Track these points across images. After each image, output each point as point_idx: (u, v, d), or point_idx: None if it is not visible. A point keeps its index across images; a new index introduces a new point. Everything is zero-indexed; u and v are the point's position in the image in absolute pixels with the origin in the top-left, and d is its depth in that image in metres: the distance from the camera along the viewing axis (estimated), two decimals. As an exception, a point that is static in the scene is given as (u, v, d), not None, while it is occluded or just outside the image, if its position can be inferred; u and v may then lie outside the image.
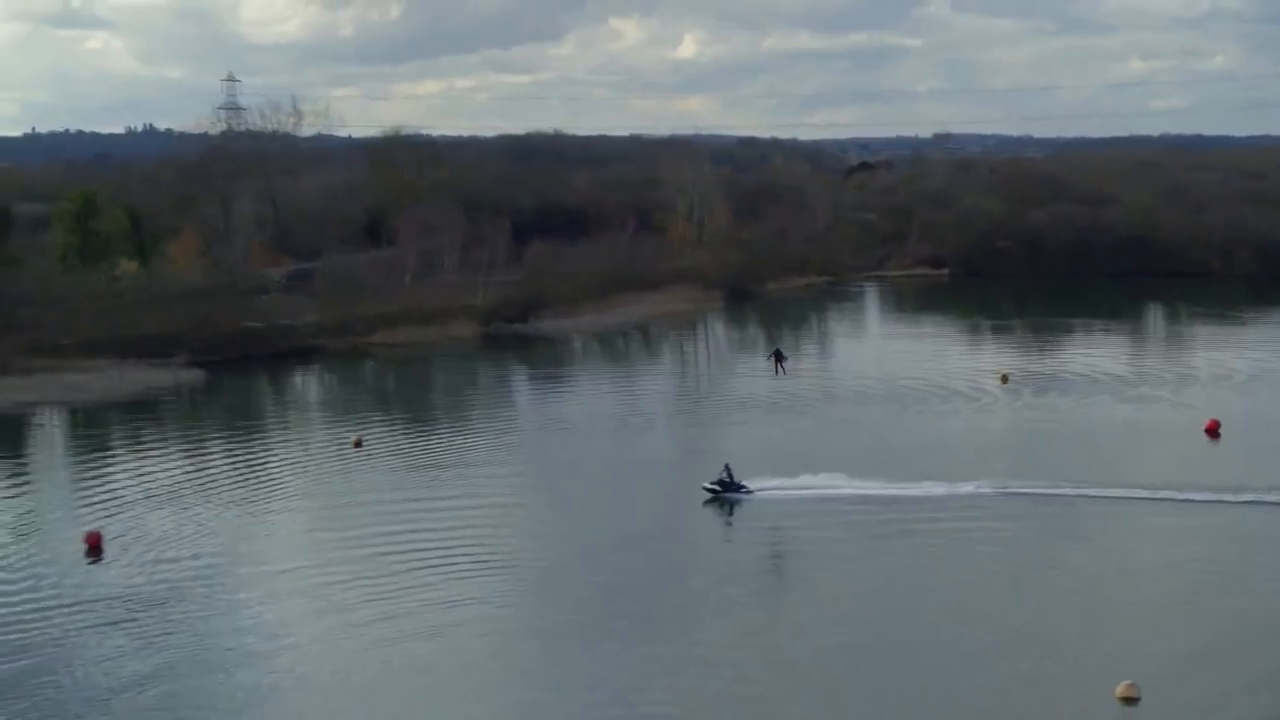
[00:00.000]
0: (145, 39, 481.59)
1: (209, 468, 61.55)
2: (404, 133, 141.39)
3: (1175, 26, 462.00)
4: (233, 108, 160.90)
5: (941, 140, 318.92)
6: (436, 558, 45.89)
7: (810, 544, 47.75)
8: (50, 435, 72.43)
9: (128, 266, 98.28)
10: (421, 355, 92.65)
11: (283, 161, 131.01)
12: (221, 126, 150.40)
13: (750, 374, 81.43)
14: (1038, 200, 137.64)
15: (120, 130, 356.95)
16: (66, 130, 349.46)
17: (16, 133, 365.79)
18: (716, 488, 52.98)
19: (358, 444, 64.32)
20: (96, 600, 42.59)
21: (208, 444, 67.65)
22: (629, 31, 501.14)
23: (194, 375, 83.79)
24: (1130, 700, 33.12)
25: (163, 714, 34.01)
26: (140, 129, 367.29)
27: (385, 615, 40.30)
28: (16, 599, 42.89)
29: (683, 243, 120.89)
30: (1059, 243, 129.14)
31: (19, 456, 66.60)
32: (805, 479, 53.46)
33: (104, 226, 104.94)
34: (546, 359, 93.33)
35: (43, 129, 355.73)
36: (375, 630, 39.10)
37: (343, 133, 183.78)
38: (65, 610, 41.72)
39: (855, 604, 41.07)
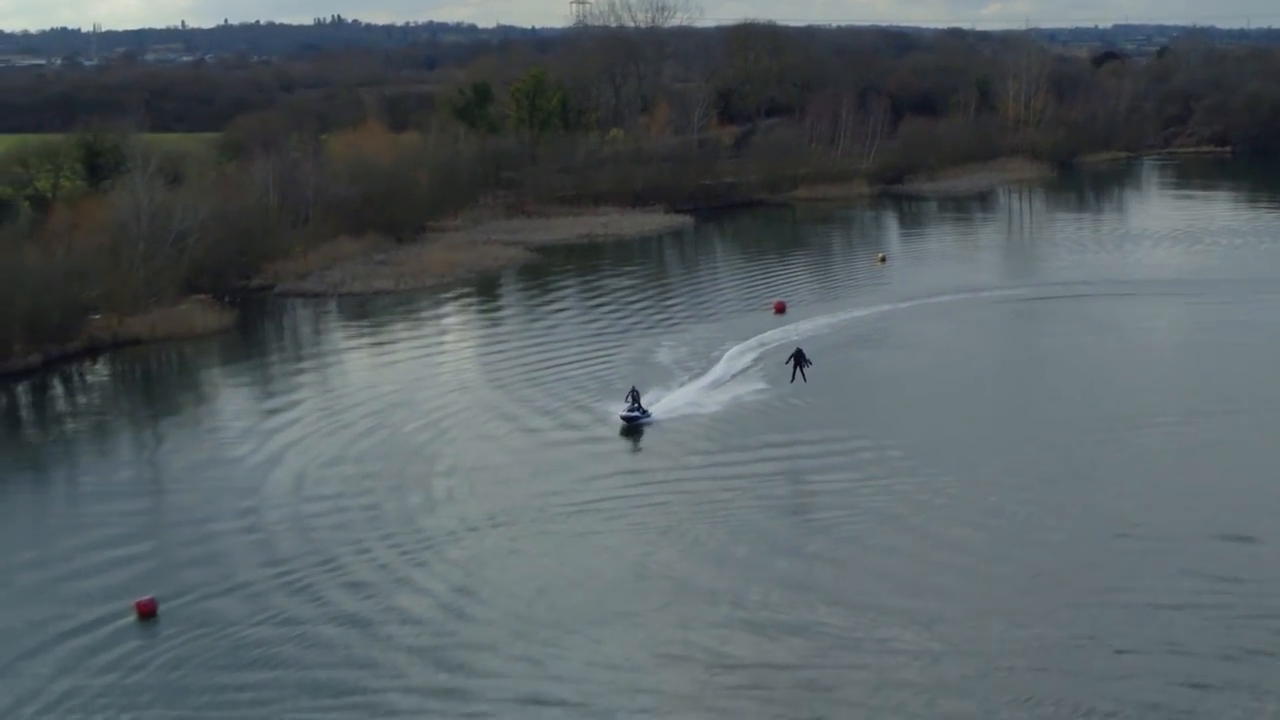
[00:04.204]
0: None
1: (780, 269, 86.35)
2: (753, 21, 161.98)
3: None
4: (581, 1, 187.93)
5: (1122, 31, 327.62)
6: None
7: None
8: (629, 255, 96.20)
9: (615, 133, 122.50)
10: (831, 208, 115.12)
11: (649, 49, 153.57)
12: (573, 21, 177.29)
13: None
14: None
15: (309, 22, 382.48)
16: (258, 22, 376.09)
17: (210, 24, 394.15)
18: (636, 413, 52.20)
19: (883, 260, 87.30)
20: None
21: (760, 258, 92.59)
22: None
23: (684, 219, 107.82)
24: None
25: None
26: (328, 20, 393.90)
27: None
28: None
29: (1015, 121, 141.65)
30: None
31: (641, 264, 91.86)
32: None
33: (545, 104, 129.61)
34: (930, 212, 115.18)
35: (234, 21, 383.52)
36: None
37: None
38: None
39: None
